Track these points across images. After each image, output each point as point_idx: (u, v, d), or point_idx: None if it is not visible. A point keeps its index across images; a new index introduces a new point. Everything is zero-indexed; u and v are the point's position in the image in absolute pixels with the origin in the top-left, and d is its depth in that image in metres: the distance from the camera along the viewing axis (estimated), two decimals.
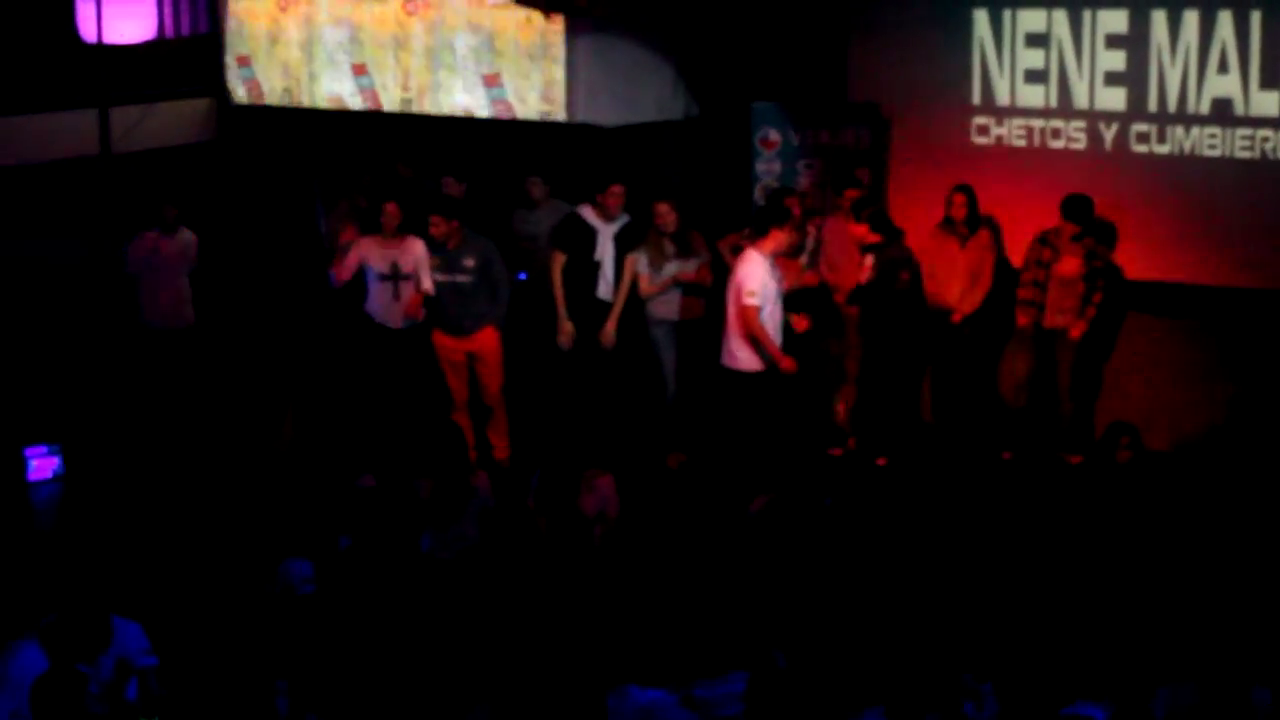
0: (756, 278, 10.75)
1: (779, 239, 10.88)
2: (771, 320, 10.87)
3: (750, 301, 10.71)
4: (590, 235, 11.69)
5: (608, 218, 11.72)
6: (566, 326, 11.73)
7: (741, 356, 10.87)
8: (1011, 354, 11.70)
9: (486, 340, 11.69)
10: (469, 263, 11.56)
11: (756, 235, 10.98)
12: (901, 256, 11.35)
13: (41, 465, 11.50)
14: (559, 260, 11.73)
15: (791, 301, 11.59)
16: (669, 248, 11.58)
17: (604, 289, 11.75)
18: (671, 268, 11.58)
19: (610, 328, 11.69)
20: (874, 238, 11.26)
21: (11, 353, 12.45)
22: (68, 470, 11.55)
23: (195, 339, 12.61)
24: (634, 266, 11.66)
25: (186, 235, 12.58)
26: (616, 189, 11.66)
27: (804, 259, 11.73)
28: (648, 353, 11.78)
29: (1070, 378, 11.34)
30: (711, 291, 11.63)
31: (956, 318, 11.56)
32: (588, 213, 11.77)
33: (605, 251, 11.70)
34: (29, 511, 11.15)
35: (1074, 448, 11.43)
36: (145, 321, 12.50)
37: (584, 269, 11.70)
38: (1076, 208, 11.17)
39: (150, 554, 9.90)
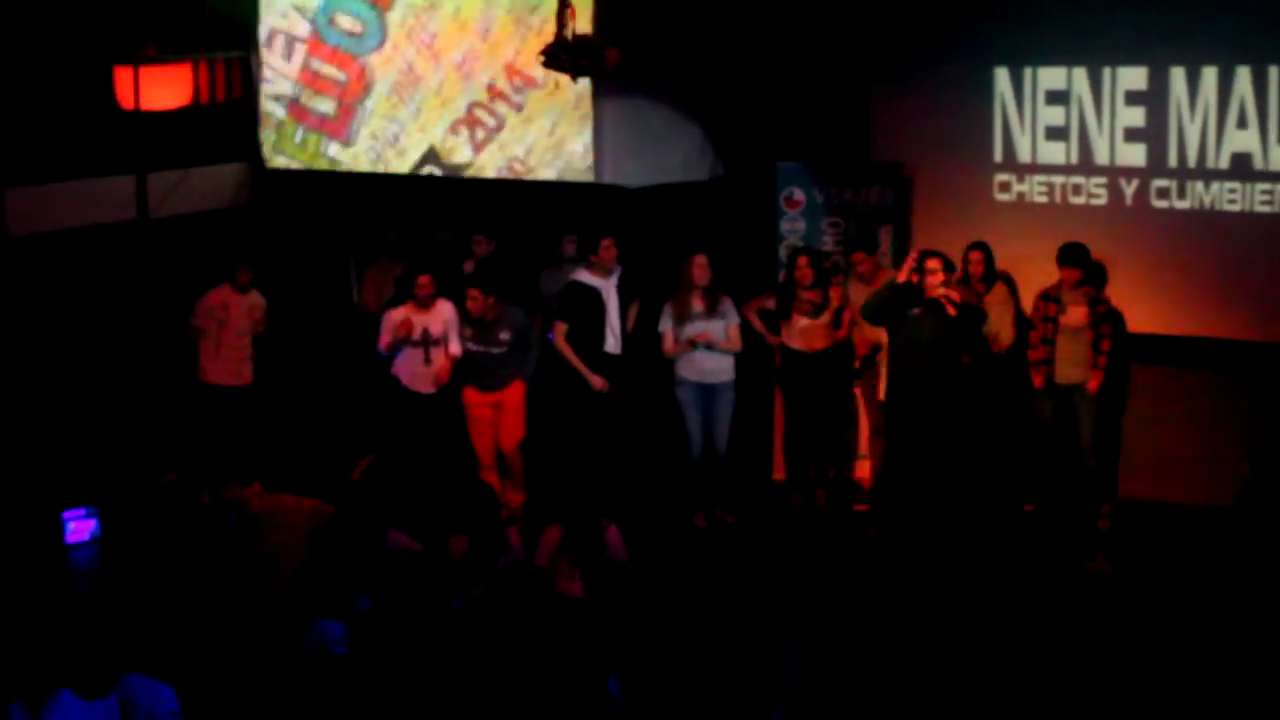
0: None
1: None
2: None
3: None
4: (593, 296, 11.87)
5: (605, 273, 11.90)
6: (595, 380, 11.89)
7: None
8: (1033, 413, 11.77)
9: (513, 392, 11.92)
10: (504, 335, 11.78)
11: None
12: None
13: (79, 528, 11.66)
14: (561, 330, 11.93)
15: (818, 361, 11.76)
16: (698, 305, 11.72)
17: (611, 343, 11.93)
18: (698, 326, 11.71)
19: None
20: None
21: (52, 415, 12.65)
22: (105, 533, 11.71)
23: (251, 398, 12.75)
24: (637, 311, 11.90)
25: (256, 297, 12.75)
26: (606, 242, 11.84)
27: (827, 317, 11.83)
28: (674, 410, 11.92)
29: (1091, 431, 11.42)
30: (741, 353, 11.79)
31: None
32: (585, 275, 11.94)
33: (610, 306, 11.90)
34: (67, 574, 11.30)
35: (1100, 500, 11.50)
36: (204, 378, 12.62)
37: (592, 330, 11.89)
38: (1074, 254, 11.28)
39: (186, 615, 10.05)
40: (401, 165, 13.34)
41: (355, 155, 13.55)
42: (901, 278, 11.01)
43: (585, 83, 12.04)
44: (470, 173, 13.06)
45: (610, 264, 11.90)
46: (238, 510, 11.14)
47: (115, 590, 10.98)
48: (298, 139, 13.86)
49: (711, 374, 11.77)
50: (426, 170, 13.25)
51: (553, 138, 12.64)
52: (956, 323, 11.01)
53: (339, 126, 13.63)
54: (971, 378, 11.36)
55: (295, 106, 13.79)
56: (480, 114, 12.94)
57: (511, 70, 12.71)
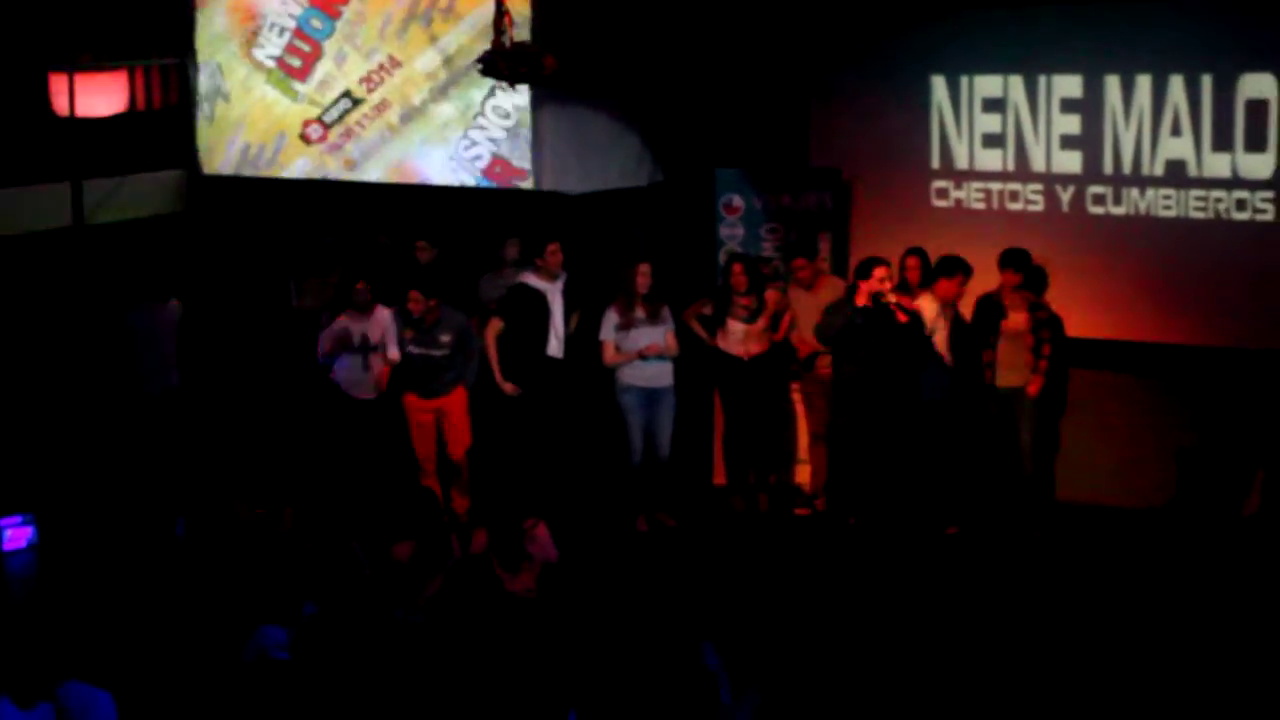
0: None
1: None
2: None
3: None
4: (538, 299, 11.93)
5: (551, 277, 11.98)
6: (507, 387, 11.99)
7: None
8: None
9: (455, 399, 11.91)
10: (445, 338, 11.77)
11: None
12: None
13: (15, 535, 11.57)
14: (494, 326, 11.99)
15: (754, 366, 11.81)
16: (640, 311, 11.75)
17: (554, 346, 12.00)
18: (642, 333, 11.74)
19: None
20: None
21: None
22: (42, 540, 11.63)
23: (179, 402, 12.69)
24: (578, 320, 11.94)
25: (174, 304, 12.69)
26: (553, 246, 11.96)
27: (762, 322, 11.87)
28: (615, 416, 11.94)
29: (1031, 436, 11.49)
30: (678, 358, 11.83)
31: None
32: (531, 278, 12.02)
33: (555, 310, 11.98)
34: (3, 580, 11.21)
35: (1036, 518, 11.57)
36: (138, 384, 12.58)
37: (535, 333, 11.94)
38: (1015, 258, 11.37)
39: (125, 622, 9.97)
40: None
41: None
42: (860, 300, 11.17)
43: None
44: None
45: (556, 269, 12.00)
46: (184, 519, 11.03)
47: (52, 597, 10.89)
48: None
49: (653, 379, 11.81)
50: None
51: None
52: (906, 329, 11.11)
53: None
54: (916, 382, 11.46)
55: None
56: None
57: None
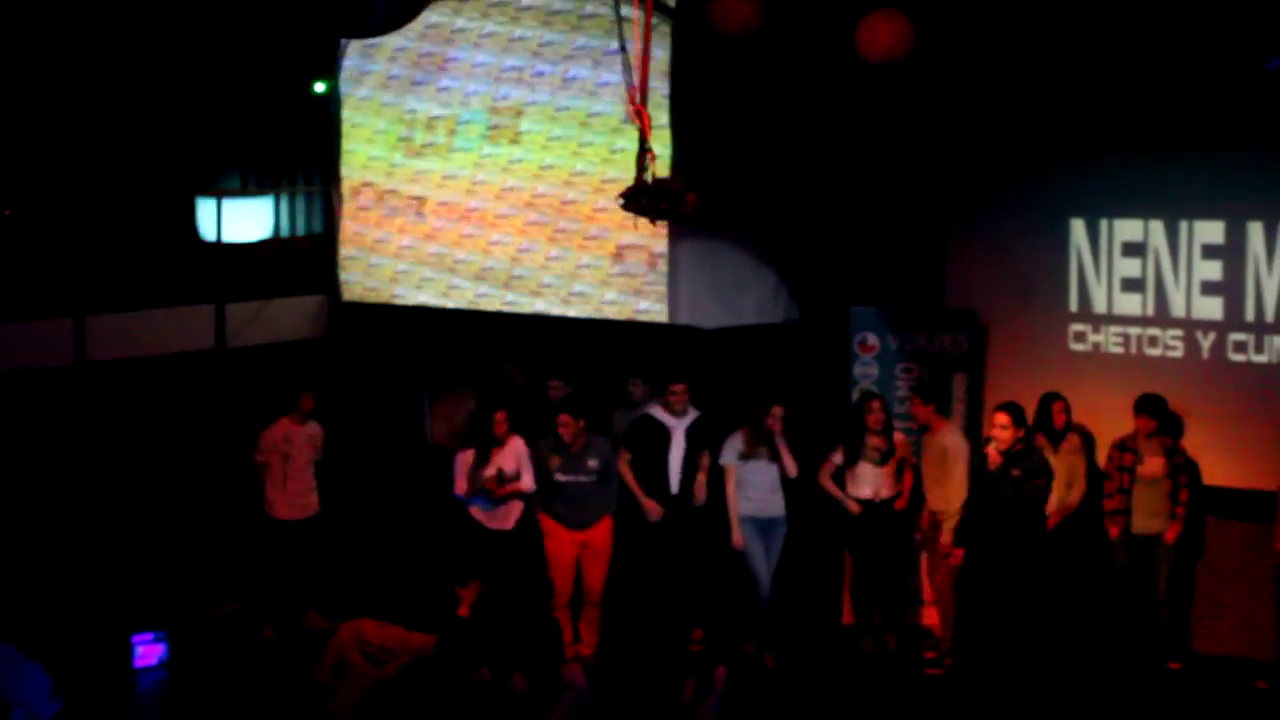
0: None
1: None
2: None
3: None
4: (663, 432, 11.96)
5: (676, 415, 12.00)
6: (649, 504, 11.94)
7: None
8: (1108, 564, 11.69)
9: (601, 531, 11.88)
10: (593, 464, 11.80)
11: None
12: (1043, 464, 11.42)
13: (148, 652, 11.68)
14: (625, 458, 12.01)
15: (883, 508, 11.76)
16: (765, 451, 11.79)
17: (673, 486, 11.96)
18: (760, 466, 11.78)
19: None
20: (1016, 432, 11.31)
21: (124, 539, 12.72)
22: (173, 657, 11.73)
23: (320, 529, 12.74)
24: (710, 462, 11.90)
25: (314, 426, 12.75)
26: (677, 388, 12.01)
27: (892, 465, 11.85)
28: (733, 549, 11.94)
29: (1167, 583, 11.34)
30: (790, 486, 11.83)
31: (1053, 522, 11.60)
32: (658, 411, 12.07)
33: (676, 446, 11.96)
34: (134, 697, 11.31)
35: (1173, 654, 11.40)
36: (270, 511, 12.57)
37: (656, 467, 11.94)
38: (1152, 404, 11.30)
39: None
40: None
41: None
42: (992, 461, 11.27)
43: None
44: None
45: (680, 408, 12.01)
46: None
47: (181, 715, 10.97)
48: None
49: (764, 509, 11.83)
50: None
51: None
52: (1021, 481, 11.12)
53: None
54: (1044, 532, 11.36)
55: None
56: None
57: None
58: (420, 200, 13.71)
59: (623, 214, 10.16)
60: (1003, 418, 11.30)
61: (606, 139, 12.58)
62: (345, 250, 14.18)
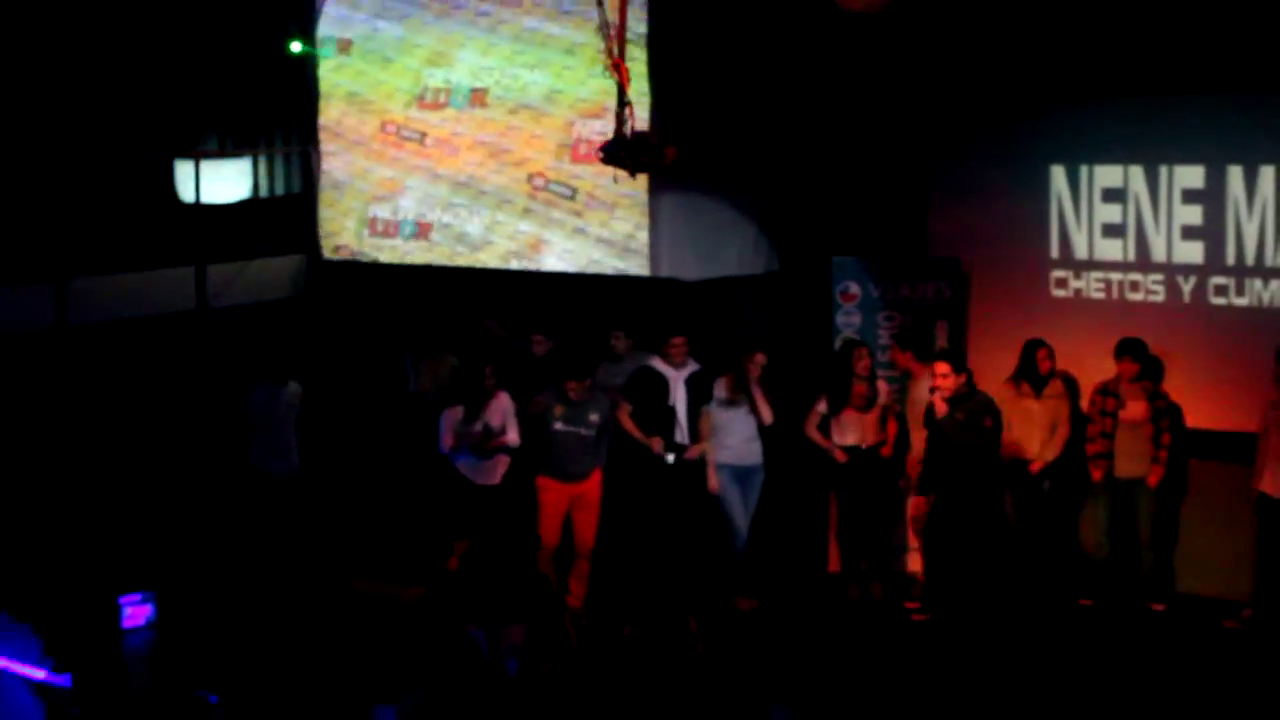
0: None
1: None
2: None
3: None
4: (662, 383, 12.03)
5: (675, 366, 12.04)
6: (654, 441, 12.01)
7: None
8: (1091, 508, 11.74)
9: (592, 484, 11.89)
10: (594, 417, 11.80)
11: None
12: (986, 403, 11.44)
13: (135, 613, 11.69)
14: (625, 409, 12.04)
15: (868, 455, 11.78)
16: (745, 400, 11.83)
17: (680, 435, 12.01)
18: (739, 414, 11.84)
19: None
20: (957, 379, 11.35)
21: (109, 501, 12.73)
22: (161, 617, 11.73)
23: (299, 485, 12.77)
24: (711, 420, 11.88)
25: (294, 385, 12.75)
26: (677, 340, 12.06)
27: (876, 412, 11.88)
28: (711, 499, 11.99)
29: (1150, 526, 11.39)
30: (768, 433, 11.87)
31: (1036, 468, 11.65)
32: (658, 363, 12.14)
33: (678, 396, 12.03)
34: (122, 659, 11.32)
35: (1157, 596, 11.46)
36: (254, 465, 12.64)
37: (659, 416, 11.98)
38: (1133, 348, 11.34)
39: (241, 701, 10.03)
40: None
41: None
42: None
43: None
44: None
45: (679, 360, 12.09)
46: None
47: (170, 675, 10.98)
48: None
49: (743, 457, 11.87)
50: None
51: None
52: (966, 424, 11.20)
53: None
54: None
55: None
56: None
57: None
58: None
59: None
60: (943, 366, 11.32)
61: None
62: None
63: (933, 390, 11.37)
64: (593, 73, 11.92)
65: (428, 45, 13.75)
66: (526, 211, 13.24)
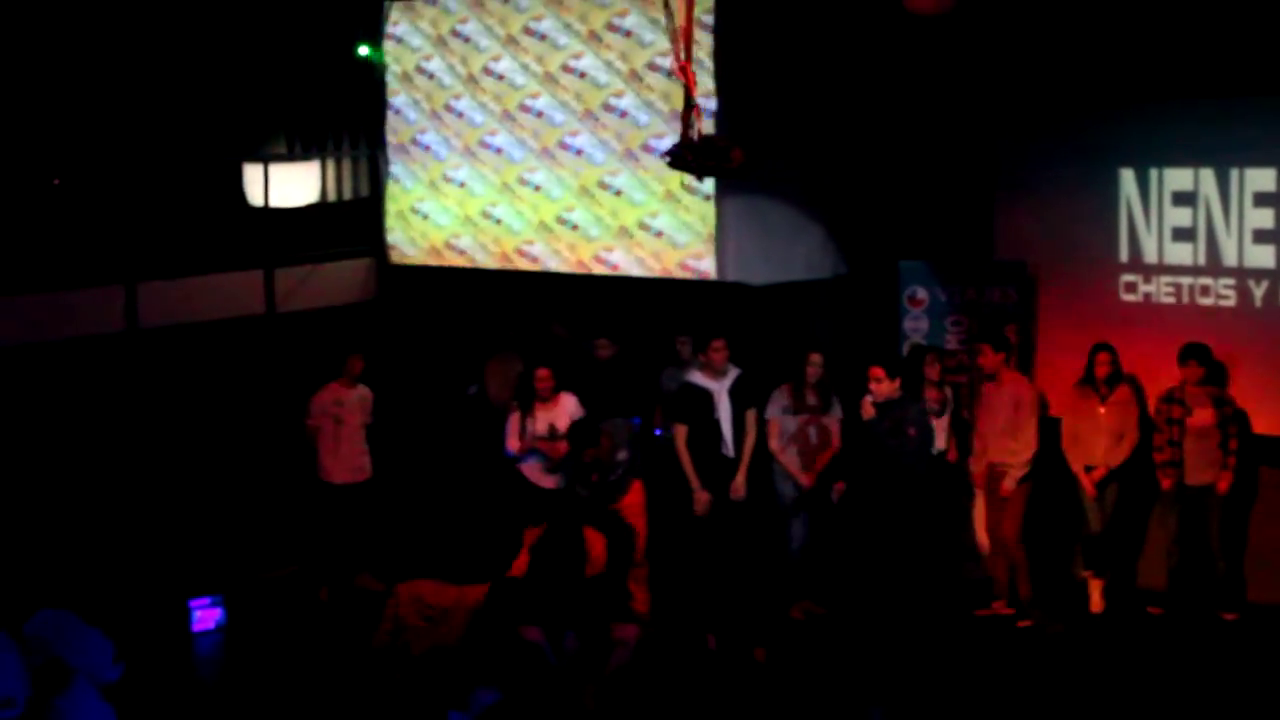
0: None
1: None
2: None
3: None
4: (706, 398, 11.80)
5: (716, 374, 11.81)
6: (701, 496, 11.81)
7: None
8: (1160, 516, 11.63)
9: (633, 498, 11.81)
10: (621, 456, 11.75)
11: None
12: (916, 414, 11.49)
13: (205, 616, 11.77)
14: (682, 433, 11.85)
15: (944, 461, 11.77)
16: (810, 399, 11.76)
17: (725, 449, 11.84)
18: (805, 419, 11.77)
19: (739, 480, 11.80)
20: (890, 384, 11.35)
21: (179, 504, 12.82)
22: (231, 621, 11.81)
23: (372, 492, 12.77)
24: (756, 420, 11.81)
25: (364, 390, 12.73)
26: (718, 343, 11.77)
27: (947, 418, 11.82)
28: (774, 506, 11.94)
29: (1220, 534, 11.31)
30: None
31: (1099, 475, 11.56)
32: (697, 377, 11.89)
33: (722, 409, 11.81)
34: (192, 662, 11.41)
35: (1229, 605, 11.37)
36: (324, 475, 12.59)
37: (706, 432, 11.80)
38: (1197, 353, 11.23)
39: (309, 705, 10.10)
40: None
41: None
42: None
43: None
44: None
45: (720, 365, 11.79)
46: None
47: (240, 678, 11.05)
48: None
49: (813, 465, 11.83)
50: None
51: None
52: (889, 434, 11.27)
53: None
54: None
55: None
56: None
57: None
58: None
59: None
60: (878, 371, 11.31)
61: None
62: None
63: (866, 393, 11.38)
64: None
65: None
66: (593, 214, 13.24)
